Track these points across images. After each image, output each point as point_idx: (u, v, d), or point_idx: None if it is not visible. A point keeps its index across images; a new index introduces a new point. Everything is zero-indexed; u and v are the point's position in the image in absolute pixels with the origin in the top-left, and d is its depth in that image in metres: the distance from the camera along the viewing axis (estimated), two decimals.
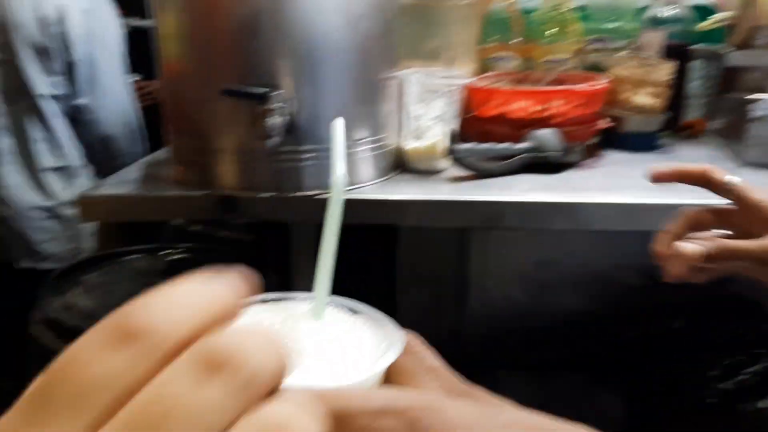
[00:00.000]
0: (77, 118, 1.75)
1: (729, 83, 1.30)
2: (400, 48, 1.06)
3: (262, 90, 0.86)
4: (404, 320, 0.34)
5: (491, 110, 1.11)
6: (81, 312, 1.07)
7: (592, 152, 1.12)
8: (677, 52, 1.24)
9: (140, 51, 1.80)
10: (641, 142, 1.17)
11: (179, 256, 1.28)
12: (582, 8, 1.30)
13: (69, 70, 1.69)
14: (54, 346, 1.02)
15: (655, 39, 1.25)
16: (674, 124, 1.25)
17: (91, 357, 0.18)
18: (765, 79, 1.27)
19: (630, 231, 0.90)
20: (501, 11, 1.26)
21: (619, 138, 1.17)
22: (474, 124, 1.15)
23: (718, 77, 1.29)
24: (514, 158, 1.02)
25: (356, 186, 0.98)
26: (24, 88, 1.65)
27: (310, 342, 0.31)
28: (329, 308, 0.34)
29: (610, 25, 1.28)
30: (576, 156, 1.05)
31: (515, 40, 1.26)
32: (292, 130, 0.89)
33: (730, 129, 1.22)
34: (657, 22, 1.30)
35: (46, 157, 1.71)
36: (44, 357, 0.20)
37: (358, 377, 0.28)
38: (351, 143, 0.96)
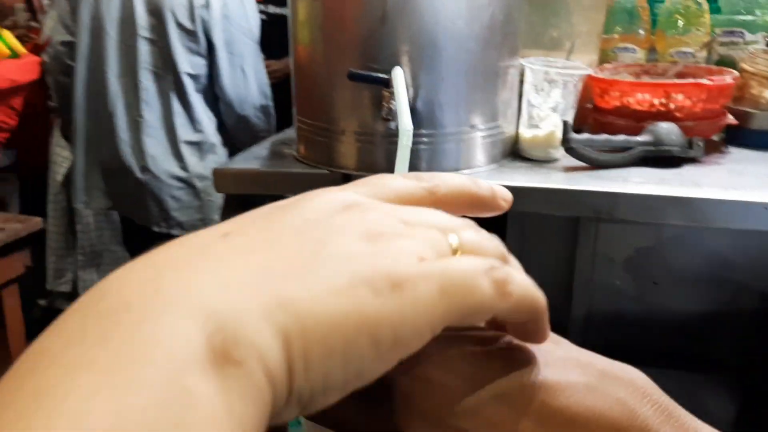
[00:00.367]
0: (217, 97, 1.89)
1: None
2: (522, 36, 1.07)
3: (385, 75, 0.90)
4: None
5: (612, 101, 1.10)
6: None
7: (714, 148, 1.09)
8: None
9: (277, 37, 1.92)
10: None
11: None
12: None
13: (210, 52, 1.83)
14: None
15: None
16: None
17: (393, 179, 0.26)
18: None
19: (751, 230, 0.87)
20: (628, 1, 1.24)
21: (745, 135, 1.13)
22: (592, 114, 1.15)
23: None
24: (630, 150, 1.01)
25: (470, 170, 1.01)
26: (170, 66, 1.81)
27: None
28: None
29: (744, 18, 1.23)
30: (698, 151, 1.03)
31: (641, 31, 1.24)
32: (410, 114, 0.93)
33: None
34: None
35: (184, 131, 1.86)
36: None
37: None
38: (467, 128, 0.99)
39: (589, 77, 1.12)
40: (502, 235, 1.18)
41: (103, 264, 2.02)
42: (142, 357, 0.17)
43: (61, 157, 2.06)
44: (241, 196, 1.10)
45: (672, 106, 1.05)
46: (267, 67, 2.07)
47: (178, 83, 1.82)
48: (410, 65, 0.93)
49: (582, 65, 1.08)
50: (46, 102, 2.03)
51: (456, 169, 0.99)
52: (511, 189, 1.04)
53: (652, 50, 1.26)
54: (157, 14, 1.77)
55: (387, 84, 0.90)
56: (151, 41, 1.79)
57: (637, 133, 1.03)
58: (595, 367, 0.26)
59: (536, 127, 1.05)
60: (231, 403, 0.17)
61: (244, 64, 1.88)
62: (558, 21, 1.16)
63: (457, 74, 0.96)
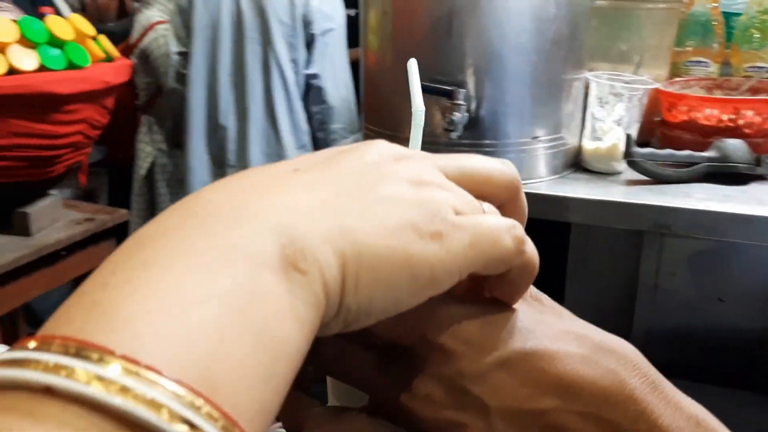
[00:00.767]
0: (308, 86, 2.06)
1: None
2: (589, 49, 1.08)
3: (449, 87, 0.93)
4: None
5: (679, 116, 1.10)
6: None
7: None
8: None
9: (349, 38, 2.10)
10: None
11: None
12: None
13: (307, 44, 2.01)
14: None
15: None
16: None
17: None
18: None
19: None
20: (702, 14, 1.23)
21: None
22: (660, 128, 1.14)
23: None
24: (695, 166, 1.01)
25: (531, 181, 1.03)
26: (275, 59, 1.97)
27: None
28: None
29: None
30: (766, 169, 1.02)
31: (715, 45, 1.23)
32: (471, 125, 0.96)
33: None
34: None
35: (283, 119, 2.02)
36: None
37: None
38: (529, 140, 1.01)
39: (658, 91, 1.12)
40: (565, 246, 1.19)
41: None
42: (230, 252, 0.21)
43: (145, 152, 2.19)
44: None
45: (741, 122, 1.04)
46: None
47: (281, 75, 1.98)
48: (474, 77, 0.96)
49: (648, 79, 1.08)
50: (134, 101, 2.16)
51: None
52: (572, 200, 1.05)
53: (726, 64, 1.24)
54: (262, 15, 1.96)
55: (451, 96, 0.94)
56: (259, 40, 1.97)
57: (704, 148, 1.02)
58: (592, 339, 0.29)
59: (599, 139, 1.06)
60: (294, 303, 0.21)
61: (334, 54, 2.05)
62: (627, 35, 1.16)
63: (520, 87, 0.98)
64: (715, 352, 1.20)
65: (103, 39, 1.47)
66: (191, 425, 0.17)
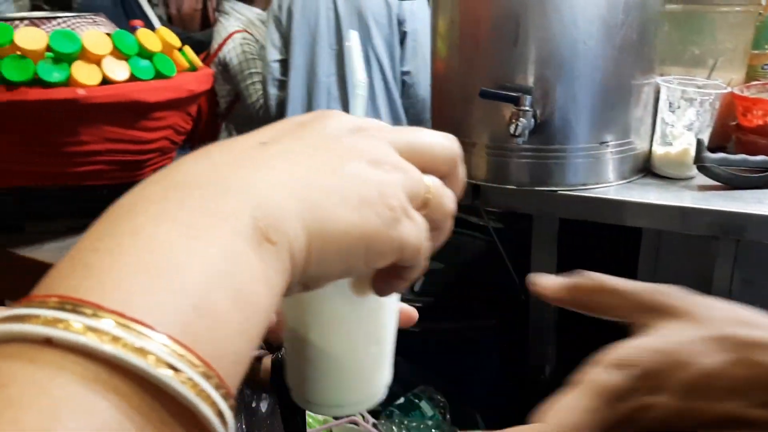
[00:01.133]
0: (403, 81, 2.19)
1: None
2: (661, 54, 1.08)
3: (516, 94, 0.95)
4: None
5: (754, 120, 1.08)
6: None
7: None
8: None
9: None
10: None
11: None
12: None
13: (401, 42, 2.13)
14: None
15: None
16: None
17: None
18: None
19: None
20: None
21: None
22: (735, 132, 1.12)
23: None
24: None
25: (600, 185, 1.03)
26: (375, 58, 2.11)
27: None
28: None
29: None
30: None
31: None
32: (538, 130, 0.97)
33: None
34: None
35: (384, 115, 2.15)
36: None
37: None
38: (597, 144, 1.01)
39: (733, 95, 1.10)
40: (636, 251, 1.18)
41: None
42: (209, 221, 0.23)
43: None
44: None
45: None
46: None
47: (380, 71, 2.11)
48: (542, 83, 0.97)
49: (721, 83, 1.07)
50: (215, 108, 2.26)
51: (585, 185, 1.02)
52: (640, 205, 1.04)
53: None
54: (359, 16, 2.08)
55: (517, 102, 0.95)
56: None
57: None
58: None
59: (669, 144, 1.05)
60: (265, 270, 0.24)
61: (424, 51, 2.11)
62: (701, 38, 1.15)
63: (588, 93, 0.99)
64: None
65: (188, 49, 1.55)
66: (175, 369, 0.20)
